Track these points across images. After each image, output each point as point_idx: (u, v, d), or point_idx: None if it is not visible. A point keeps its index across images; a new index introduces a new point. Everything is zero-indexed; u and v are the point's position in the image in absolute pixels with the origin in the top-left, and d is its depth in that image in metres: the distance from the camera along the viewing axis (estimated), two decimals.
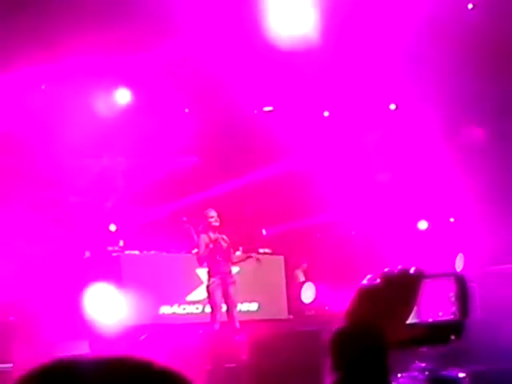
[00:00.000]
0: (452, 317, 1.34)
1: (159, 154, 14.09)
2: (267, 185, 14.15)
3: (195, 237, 11.45)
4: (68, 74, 11.96)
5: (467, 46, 11.90)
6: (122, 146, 13.58)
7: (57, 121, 12.54)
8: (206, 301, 11.56)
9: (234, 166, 13.98)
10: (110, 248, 13.02)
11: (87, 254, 12.87)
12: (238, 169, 13.96)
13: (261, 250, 14.45)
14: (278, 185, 14.33)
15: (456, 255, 13.75)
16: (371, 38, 11.82)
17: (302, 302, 14.49)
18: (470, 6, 12.36)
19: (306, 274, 14.98)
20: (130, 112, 13.66)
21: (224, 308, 11.11)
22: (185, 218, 12.59)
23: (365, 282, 1.37)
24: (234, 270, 11.78)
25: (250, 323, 11.93)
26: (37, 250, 11.86)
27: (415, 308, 1.35)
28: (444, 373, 8.38)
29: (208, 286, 11.19)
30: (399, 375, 8.54)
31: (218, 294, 11.04)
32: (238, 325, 11.09)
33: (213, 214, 11.20)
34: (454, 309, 1.34)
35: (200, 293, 12.47)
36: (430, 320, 1.35)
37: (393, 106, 14.49)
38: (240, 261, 11.94)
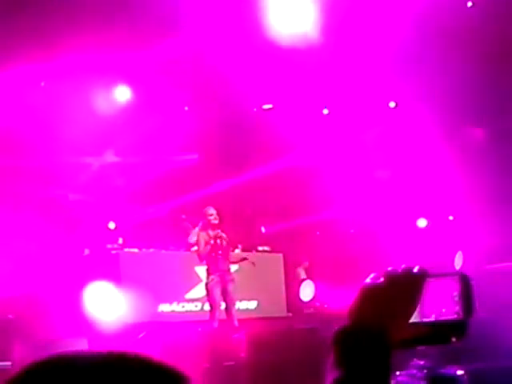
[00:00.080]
0: (455, 316, 1.34)
1: (158, 152, 14.09)
2: (266, 183, 14.16)
3: (192, 236, 11.43)
4: (67, 72, 11.95)
5: (467, 45, 11.90)
6: (121, 143, 13.58)
7: (56, 118, 12.53)
8: (205, 299, 11.57)
9: (233, 164, 13.99)
10: (109, 246, 13.03)
11: (86, 251, 12.87)
12: (237, 167, 13.96)
13: (260, 248, 14.48)
14: (277, 183, 14.34)
15: (455, 253, 13.77)
16: (371, 35, 11.82)
17: (301, 300, 14.51)
18: (470, 3, 12.36)
19: (307, 272, 14.98)
20: (129, 109, 13.65)
21: (223, 306, 11.12)
22: (184, 216, 12.60)
23: (368, 280, 1.37)
24: (233, 268, 11.79)
25: (248, 321, 11.94)
26: (36, 247, 11.86)
27: (418, 307, 1.35)
28: (442, 370, 8.38)
29: (207, 284, 11.20)
30: (398, 373, 8.54)
31: (217, 292, 11.04)
32: (236, 323, 11.10)
33: (212, 211, 11.21)
34: (457, 308, 1.34)
35: (199, 291, 12.47)
36: (434, 319, 1.35)
37: (392, 104, 14.49)
38: (236, 261, 11.95)
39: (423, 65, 12.46)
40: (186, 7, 11.14)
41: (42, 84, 12.60)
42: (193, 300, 12.96)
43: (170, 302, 12.84)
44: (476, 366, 8.21)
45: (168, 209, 13.71)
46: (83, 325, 11.45)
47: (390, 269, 1.37)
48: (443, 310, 1.35)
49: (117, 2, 11.23)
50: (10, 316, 11.15)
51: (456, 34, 11.89)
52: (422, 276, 1.36)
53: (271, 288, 13.97)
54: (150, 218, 13.58)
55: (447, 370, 8.25)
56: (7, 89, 11.79)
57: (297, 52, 11.95)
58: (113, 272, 12.34)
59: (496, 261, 11.91)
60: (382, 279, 1.36)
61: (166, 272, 12.76)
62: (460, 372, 7.98)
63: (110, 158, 13.83)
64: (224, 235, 11.26)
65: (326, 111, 14.61)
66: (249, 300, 13.45)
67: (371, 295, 1.35)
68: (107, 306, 11.84)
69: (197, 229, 11.26)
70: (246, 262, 12.12)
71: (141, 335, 11.13)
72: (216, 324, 10.99)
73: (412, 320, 1.35)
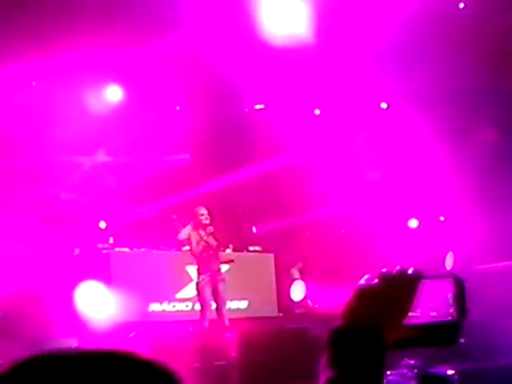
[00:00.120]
0: (449, 318, 1.35)
1: (150, 152, 14.07)
2: (257, 183, 14.16)
3: (182, 233, 11.38)
4: (59, 71, 11.92)
5: (459, 46, 11.93)
6: (112, 143, 13.55)
7: (47, 118, 12.50)
8: (196, 298, 11.56)
9: (224, 165, 13.97)
10: (99, 245, 13.00)
11: (77, 251, 12.85)
12: (228, 167, 13.95)
13: (251, 248, 14.47)
14: (268, 183, 14.35)
15: (446, 253, 13.81)
16: (363, 36, 11.83)
17: (292, 300, 14.51)
18: (462, 5, 12.40)
19: (301, 272, 14.97)
20: (120, 109, 13.62)
21: (213, 306, 11.12)
22: (175, 216, 12.58)
23: (362, 282, 1.38)
24: (224, 267, 11.79)
25: (239, 321, 11.93)
26: (26, 246, 11.83)
27: (413, 309, 1.35)
28: (433, 370, 8.40)
29: (197, 284, 11.20)
30: (388, 372, 8.55)
31: (208, 292, 11.04)
32: (227, 322, 11.10)
33: (203, 211, 11.20)
34: (451, 310, 1.35)
35: (190, 290, 12.46)
36: (427, 321, 1.36)
37: (384, 105, 14.51)
38: (223, 262, 11.91)
39: (415, 66, 12.48)
40: (179, 7, 11.14)
41: (33, 84, 12.57)
42: (183, 300, 12.94)
43: (161, 302, 12.83)
44: (466, 365, 8.23)
45: (159, 208, 13.69)
46: (74, 324, 11.43)
47: (384, 270, 1.38)
48: (437, 312, 1.36)
49: (110, 2, 11.21)
50: (0, 314, 11.12)
51: (448, 35, 11.91)
52: (416, 277, 1.36)
53: (262, 288, 13.97)
54: (141, 217, 13.56)
55: (438, 370, 8.26)
56: None
57: (289, 52, 11.96)
58: (103, 271, 12.32)
59: (487, 261, 11.95)
60: (376, 280, 1.37)
61: (156, 271, 12.74)
62: (450, 372, 8.00)
63: (102, 157, 13.81)
64: (214, 235, 11.25)
65: (317, 112, 14.62)
66: (240, 300, 13.45)
67: (366, 296, 1.36)
68: (98, 305, 11.83)
69: (189, 226, 11.25)
70: (228, 260, 12.14)
71: (131, 334, 11.11)
72: (207, 324, 10.98)
73: (406, 321, 1.35)
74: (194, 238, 11.12)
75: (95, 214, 13.57)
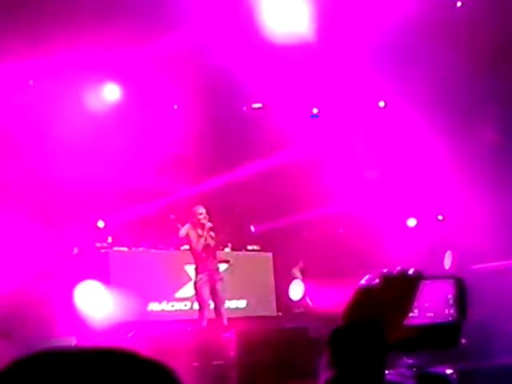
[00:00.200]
0: (449, 319, 1.35)
1: (148, 150, 14.05)
2: (255, 182, 14.14)
3: (183, 230, 11.37)
4: (56, 70, 11.91)
5: (456, 45, 11.93)
6: (111, 141, 13.53)
7: (45, 117, 12.49)
8: (195, 298, 11.56)
9: (222, 163, 13.97)
10: (98, 244, 13.00)
11: (75, 250, 12.84)
12: (227, 166, 13.95)
13: (249, 247, 14.47)
14: (267, 182, 14.33)
15: (444, 253, 13.80)
16: (361, 35, 11.84)
17: (291, 299, 14.51)
18: (459, 3, 12.40)
19: (302, 272, 14.96)
20: (118, 108, 13.62)
21: (212, 305, 11.11)
22: (173, 216, 12.57)
23: (363, 282, 1.38)
24: (222, 267, 11.78)
25: (238, 320, 11.93)
26: (25, 246, 11.82)
27: (413, 309, 1.35)
28: (431, 369, 8.40)
29: (195, 283, 11.20)
30: (387, 372, 8.54)
31: (206, 291, 11.04)
32: (225, 322, 11.09)
33: (201, 211, 11.20)
34: (451, 311, 1.35)
35: (188, 290, 12.46)
36: (428, 321, 1.35)
37: (382, 104, 14.51)
38: (219, 261, 11.87)
39: (413, 64, 12.48)
40: (178, 6, 11.13)
41: (31, 82, 12.55)
42: (182, 299, 12.94)
43: (160, 301, 12.82)
44: (465, 365, 8.23)
45: (157, 208, 13.68)
46: (73, 323, 11.43)
47: (385, 270, 1.37)
48: (437, 312, 1.35)
49: (107, 1, 11.20)
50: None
51: (446, 33, 11.92)
52: (416, 278, 1.36)
53: (260, 287, 13.97)
54: (140, 216, 13.55)
55: (436, 369, 8.26)
56: None
57: (287, 51, 11.96)
58: (102, 271, 12.33)
59: (485, 260, 11.95)
60: (377, 280, 1.37)
61: (155, 271, 12.74)
62: (449, 371, 8.00)
63: (99, 156, 13.78)
64: (212, 234, 11.25)
65: (315, 110, 14.62)
66: (238, 299, 13.45)
67: (366, 296, 1.36)
68: (96, 304, 11.82)
69: (187, 225, 11.23)
70: (224, 260, 12.13)
71: (130, 334, 11.11)
72: (205, 323, 10.98)
73: (406, 322, 1.35)
74: (193, 236, 11.12)
75: (93, 213, 13.56)
